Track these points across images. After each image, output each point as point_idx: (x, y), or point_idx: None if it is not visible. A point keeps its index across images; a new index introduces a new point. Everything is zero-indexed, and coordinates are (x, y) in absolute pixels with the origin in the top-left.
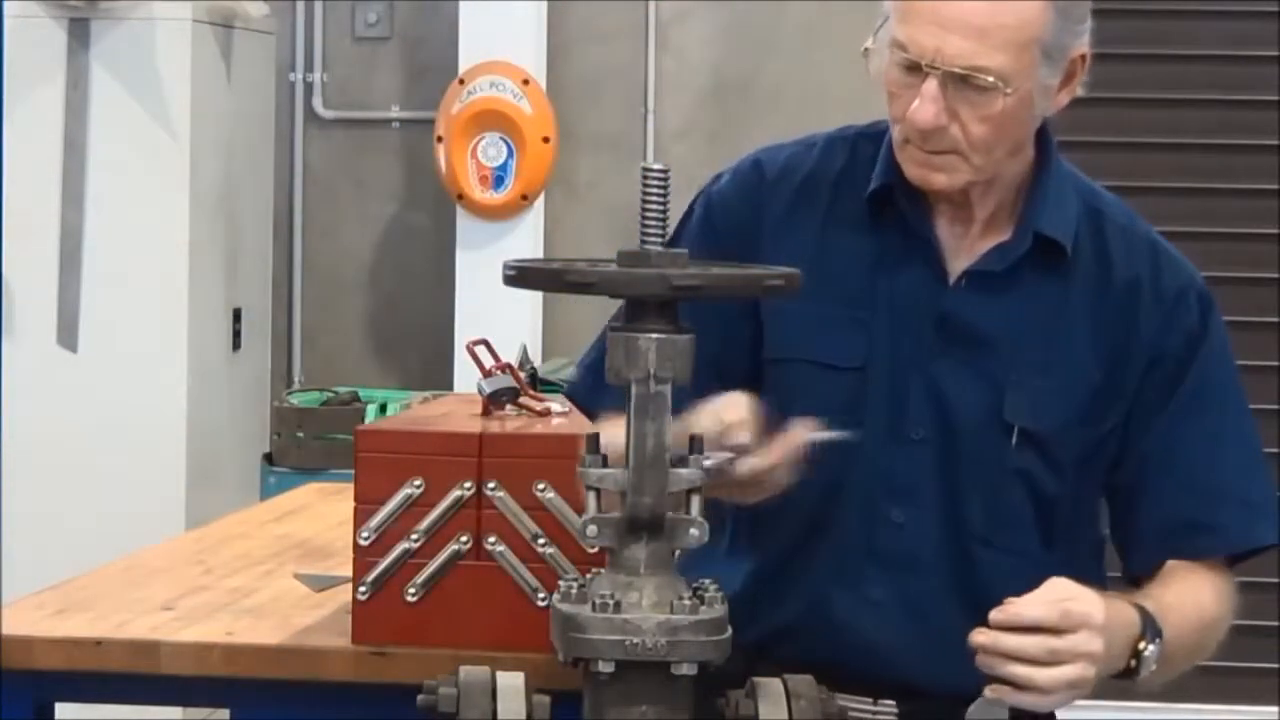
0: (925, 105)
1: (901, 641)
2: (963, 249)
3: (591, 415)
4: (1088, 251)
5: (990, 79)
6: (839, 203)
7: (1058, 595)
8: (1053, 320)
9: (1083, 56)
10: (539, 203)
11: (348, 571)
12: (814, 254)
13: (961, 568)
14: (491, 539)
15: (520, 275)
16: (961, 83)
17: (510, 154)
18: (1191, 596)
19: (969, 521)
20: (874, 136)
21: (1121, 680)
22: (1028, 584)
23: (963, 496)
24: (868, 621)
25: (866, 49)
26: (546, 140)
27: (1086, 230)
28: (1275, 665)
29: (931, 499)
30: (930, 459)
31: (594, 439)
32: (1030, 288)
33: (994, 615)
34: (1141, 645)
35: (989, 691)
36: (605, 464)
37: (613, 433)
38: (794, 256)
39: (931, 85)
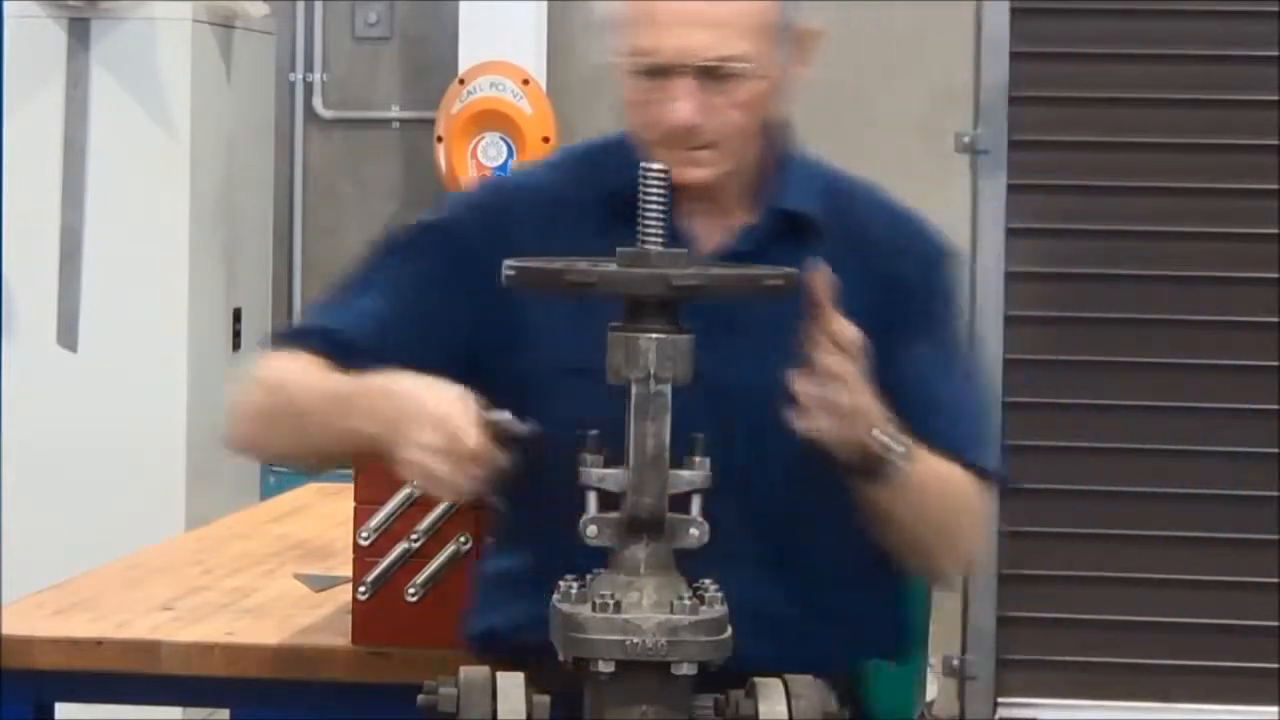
0: (681, 104)
1: None
2: (710, 237)
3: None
4: (838, 223)
5: (741, 65)
6: (581, 216)
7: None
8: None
9: (812, 31)
10: None
11: (348, 571)
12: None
13: (769, 548)
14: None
15: (520, 275)
16: (713, 74)
17: (510, 154)
18: (944, 465)
19: (771, 500)
20: (607, 146)
21: (871, 473)
22: (840, 553)
23: (760, 478)
24: None
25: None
26: (546, 140)
27: (834, 205)
28: (1275, 665)
29: (727, 488)
30: (711, 451)
31: (596, 439)
32: (784, 264)
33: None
34: (877, 433)
35: None
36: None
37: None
38: None
39: (685, 83)
